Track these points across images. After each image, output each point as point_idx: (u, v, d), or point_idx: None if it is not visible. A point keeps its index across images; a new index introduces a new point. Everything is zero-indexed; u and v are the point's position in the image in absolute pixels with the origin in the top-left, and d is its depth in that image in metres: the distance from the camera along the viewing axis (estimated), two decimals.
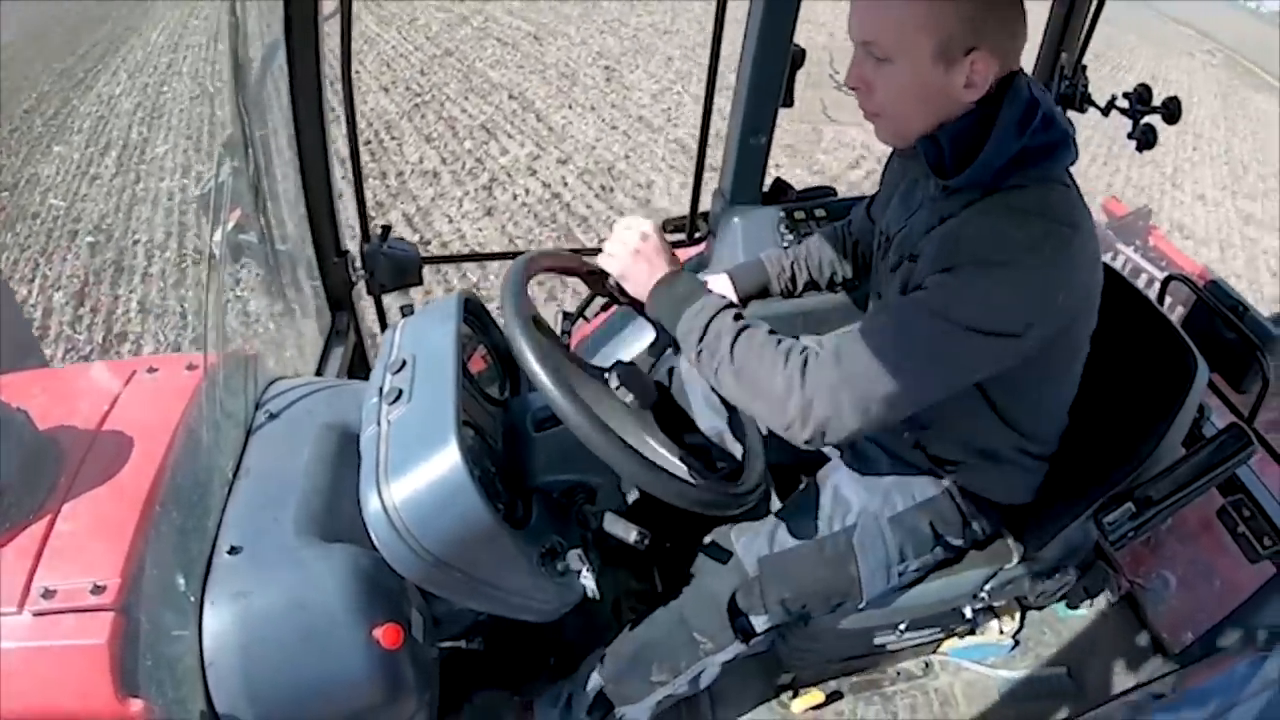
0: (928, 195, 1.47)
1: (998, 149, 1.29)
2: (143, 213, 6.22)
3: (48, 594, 1.05)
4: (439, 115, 9.15)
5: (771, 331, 1.39)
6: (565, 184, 7.28)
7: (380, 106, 8.68)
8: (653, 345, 1.68)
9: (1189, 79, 15.04)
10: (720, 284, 1.93)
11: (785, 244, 2.57)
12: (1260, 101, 15.35)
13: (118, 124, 7.86)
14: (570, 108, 9.17)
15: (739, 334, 1.37)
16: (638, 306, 1.62)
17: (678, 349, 1.53)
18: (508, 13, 12.73)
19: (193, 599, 1.19)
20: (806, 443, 1.33)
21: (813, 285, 2.00)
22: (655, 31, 12.66)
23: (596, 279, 1.70)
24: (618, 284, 1.59)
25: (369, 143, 8.00)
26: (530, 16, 12.56)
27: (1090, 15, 2.41)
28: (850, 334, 1.33)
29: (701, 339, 1.39)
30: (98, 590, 1.06)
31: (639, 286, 1.51)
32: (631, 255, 1.50)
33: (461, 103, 9.24)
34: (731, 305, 1.43)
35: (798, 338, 1.38)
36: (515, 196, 7.02)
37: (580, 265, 1.67)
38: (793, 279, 1.96)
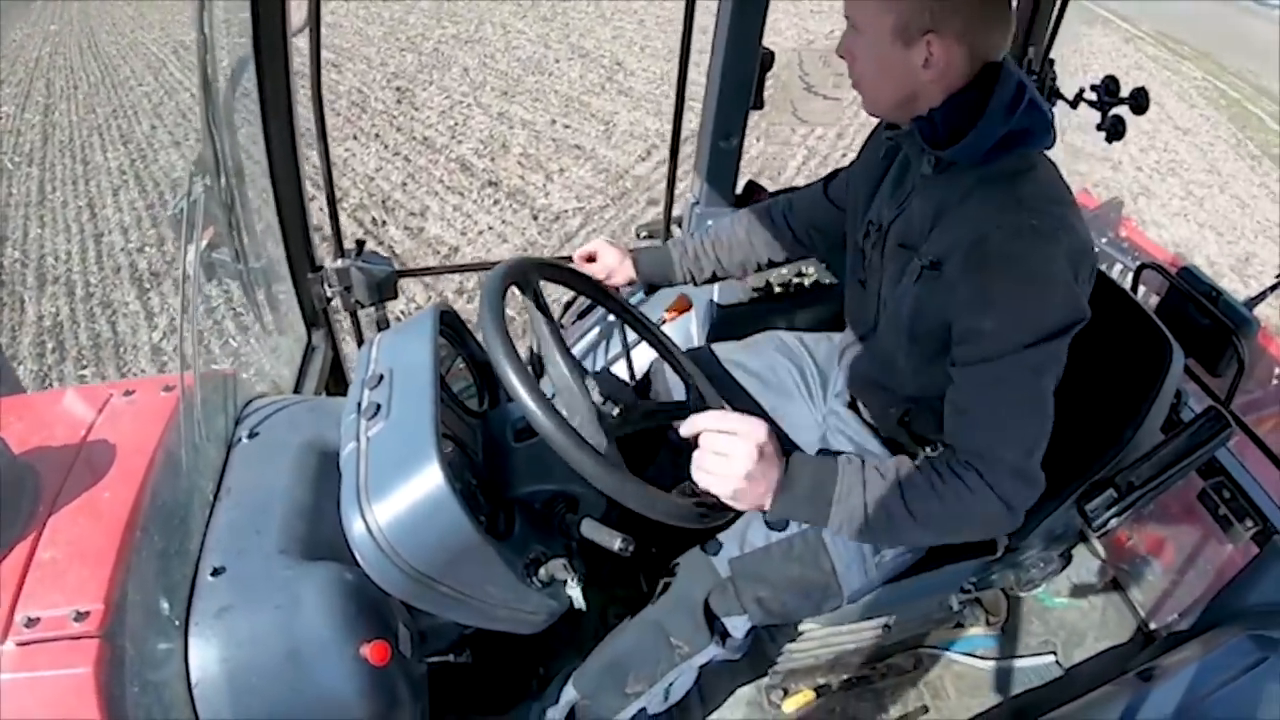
0: (920, 178, 1.51)
1: (989, 128, 1.36)
2: None
3: (31, 623, 1.04)
4: None
5: (917, 465, 1.40)
6: None
7: (170, 162, 8.28)
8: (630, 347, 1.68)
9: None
10: (619, 261, 1.93)
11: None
12: (1096, 35, 15.32)
13: None
14: (355, 138, 8.94)
15: (904, 494, 1.36)
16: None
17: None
18: None
19: (177, 622, 1.18)
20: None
21: (718, 275, 2.04)
22: (457, 42, 12.53)
23: (586, 285, 1.71)
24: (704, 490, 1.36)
25: (152, 206, 7.41)
26: (333, 43, 12.24)
27: (1057, 9, 2.43)
28: (978, 423, 1.38)
29: (866, 520, 1.36)
30: (81, 617, 1.05)
31: (754, 503, 1.36)
32: (744, 479, 1.30)
33: (248, 145, 8.74)
34: (859, 462, 1.40)
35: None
36: None
37: (561, 272, 1.66)
38: (697, 265, 2.00)
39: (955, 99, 1.39)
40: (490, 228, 6.84)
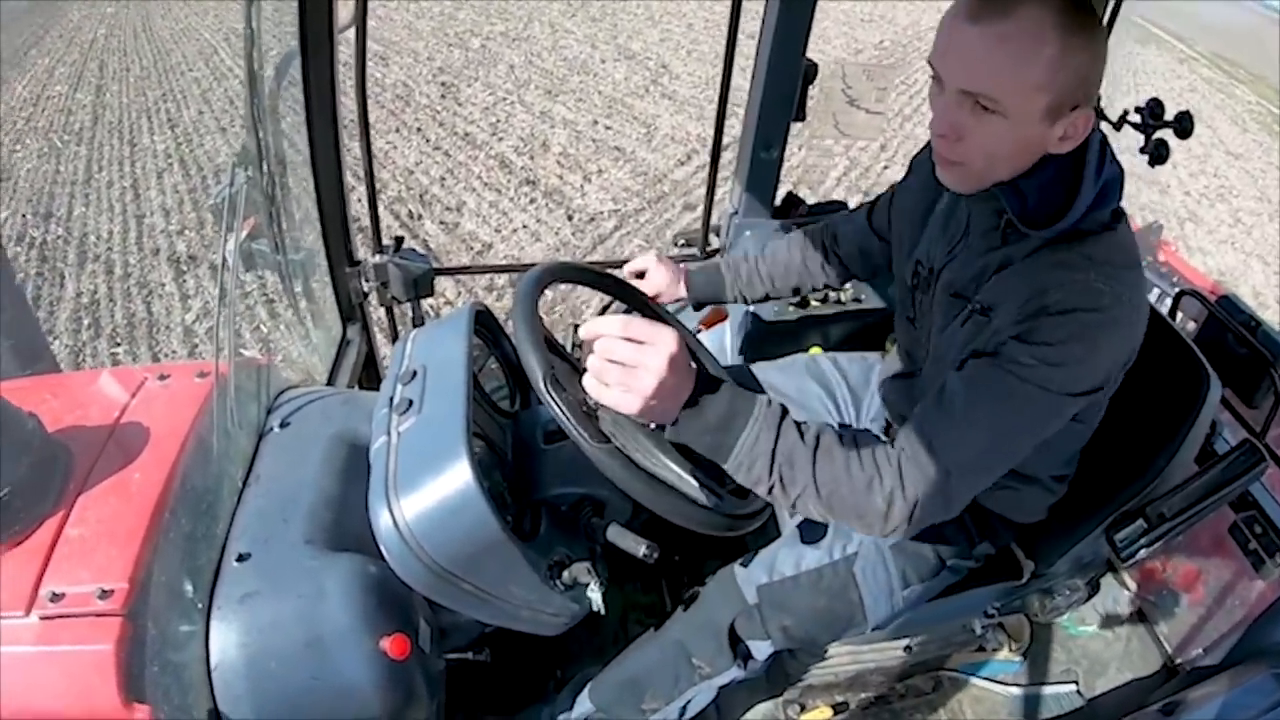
0: (982, 230, 1.42)
1: (1083, 202, 1.27)
2: None
3: (55, 598, 1.05)
4: None
5: (839, 433, 1.28)
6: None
7: (214, 148, 8.36)
8: None
9: None
10: (670, 279, 1.88)
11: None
12: (1150, 55, 14.82)
13: None
14: (397, 131, 8.94)
15: (815, 457, 1.23)
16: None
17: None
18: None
19: (200, 606, 1.19)
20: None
21: (770, 296, 1.97)
22: (505, 40, 12.50)
23: (628, 294, 1.69)
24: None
25: (194, 190, 7.47)
26: (382, 36, 12.28)
27: (1105, 22, 2.40)
28: (939, 418, 1.26)
29: (772, 472, 1.23)
30: (105, 595, 1.06)
31: (656, 420, 1.23)
32: (651, 397, 1.15)
33: (291, 137, 8.70)
34: (784, 412, 1.26)
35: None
36: None
37: (596, 277, 1.65)
38: (750, 286, 1.94)
39: (1046, 164, 1.29)
40: (525, 226, 6.83)
